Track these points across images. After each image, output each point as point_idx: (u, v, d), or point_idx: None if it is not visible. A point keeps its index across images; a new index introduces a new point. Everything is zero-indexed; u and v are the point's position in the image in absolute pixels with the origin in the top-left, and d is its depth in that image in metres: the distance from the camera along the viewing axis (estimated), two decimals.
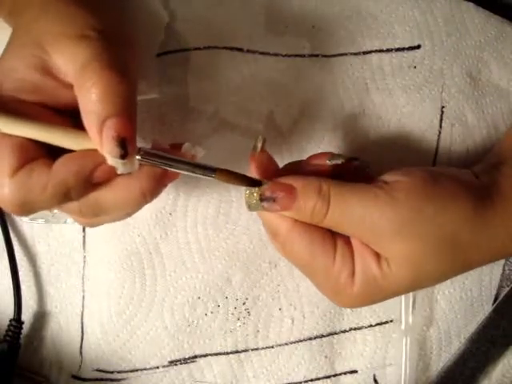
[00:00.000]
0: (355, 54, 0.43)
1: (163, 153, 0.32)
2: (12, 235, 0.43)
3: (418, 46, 0.43)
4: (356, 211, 0.33)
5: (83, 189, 0.31)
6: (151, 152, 0.32)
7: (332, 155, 0.36)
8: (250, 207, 0.34)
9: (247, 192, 0.34)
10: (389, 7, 0.43)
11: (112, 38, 0.32)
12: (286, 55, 0.43)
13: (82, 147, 0.31)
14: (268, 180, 0.34)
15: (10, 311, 0.42)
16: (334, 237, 0.35)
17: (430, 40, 0.43)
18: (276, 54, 0.43)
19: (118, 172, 0.31)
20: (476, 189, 0.35)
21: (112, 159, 0.30)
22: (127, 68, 0.31)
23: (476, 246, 0.34)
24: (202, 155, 0.34)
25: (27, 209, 0.31)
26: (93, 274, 0.43)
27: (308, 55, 0.43)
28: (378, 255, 0.34)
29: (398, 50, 0.43)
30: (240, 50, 0.43)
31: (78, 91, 0.30)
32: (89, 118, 0.29)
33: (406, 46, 0.43)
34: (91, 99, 0.29)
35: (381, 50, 0.43)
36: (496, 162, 0.38)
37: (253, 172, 0.35)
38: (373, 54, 0.43)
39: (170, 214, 0.43)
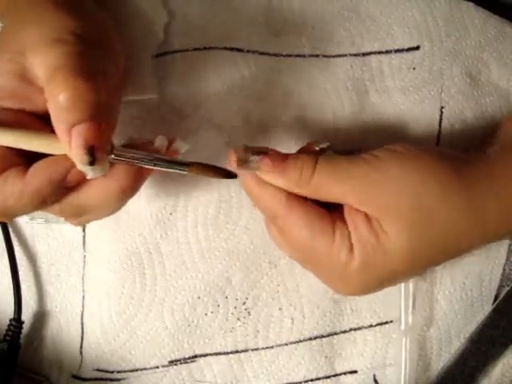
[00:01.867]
0: (355, 55, 0.43)
1: (136, 151, 0.32)
2: (12, 235, 0.43)
3: (418, 47, 0.43)
4: (342, 165, 0.34)
5: (58, 194, 0.31)
6: (124, 150, 0.32)
7: (316, 141, 0.37)
8: (241, 161, 0.34)
9: (242, 146, 0.35)
10: (388, 8, 0.43)
11: (91, 42, 0.31)
12: (286, 55, 0.43)
13: (59, 152, 0.31)
14: None
15: (9, 311, 0.42)
16: (332, 216, 0.35)
17: (429, 40, 0.43)
18: (276, 54, 0.43)
19: (88, 177, 0.31)
20: (453, 153, 0.36)
21: (81, 165, 0.30)
22: (104, 74, 0.31)
23: (464, 209, 0.34)
24: (184, 150, 0.35)
25: (6, 215, 0.32)
26: (93, 273, 0.43)
27: (308, 55, 0.43)
28: (368, 219, 0.34)
29: (397, 51, 0.43)
30: (240, 50, 0.43)
31: (48, 97, 0.30)
32: (58, 125, 0.30)
33: (405, 48, 0.44)
34: (59, 106, 0.29)
35: (380, 52, 0.43)
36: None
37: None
38: (372, 55, 0.43)
39: (171, 214, 0.43)
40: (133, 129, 0.42)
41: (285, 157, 0.35)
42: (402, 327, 0.43)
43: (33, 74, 0.31)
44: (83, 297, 0.43)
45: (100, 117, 0.30)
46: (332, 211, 0.35)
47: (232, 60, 0.43)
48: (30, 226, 0.43)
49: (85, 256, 0.43)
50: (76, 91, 0.29)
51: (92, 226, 0.43)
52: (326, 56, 0.43)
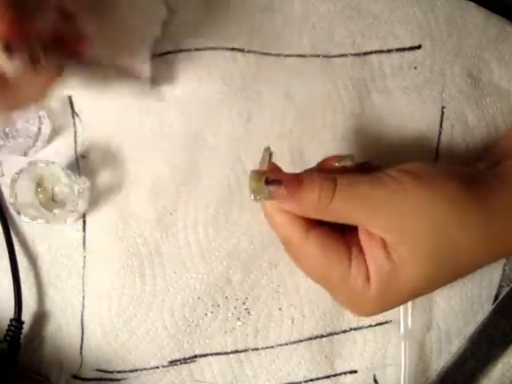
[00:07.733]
0: (356, 54, 0.43)
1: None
2: (12, 235, 0.43)
3: (419, 46, 0.43)
4: (364, 190, 0.33)
5: None
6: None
7: (339, 158, 0.36)
8: (255, 192, 0.33)
9: (251, 176, 0.33)
10: (389, 7, 0.43)
11: None
12: (286, 55, 0.43)
13: None
14: None
15: (9, 311, 0.42)
16: (348, 243, 0.34)
17: (430, 40, 0.43)
18: (277, 55, 0.43)
19: (7, 74, 0.29)
20: (469, 174, 0.35)
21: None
22: None
23: (481, 236, 0.33)
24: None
25: None
26: (93, 274, 0.43)
27: (309, 55, 0.43)
28: (385, 245, 0.33)
29: (398, 50, 0.43)
30: (241, 50, 0.43)
31: None
32: None
33: (407, 46, 0.43)
34: None
35: (381, 51, 0.43)
36: (498, 160, 0.38)
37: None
38: (373, 54, 0.43)
39: (171, 214, 0.43)
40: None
41: (300, 181, 0.33)
42: (402, 327, 0.43)
43: None
44: (83, 297, 0.43)
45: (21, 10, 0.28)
46: (346, 232, 0.35)
47: (233, 60, 0.43)
48: (31, 226, 0.43)
49: (85, 256, 0.43)
50: None
51: (92, 227, 0.43)
52: (326, 56, 0.43)
